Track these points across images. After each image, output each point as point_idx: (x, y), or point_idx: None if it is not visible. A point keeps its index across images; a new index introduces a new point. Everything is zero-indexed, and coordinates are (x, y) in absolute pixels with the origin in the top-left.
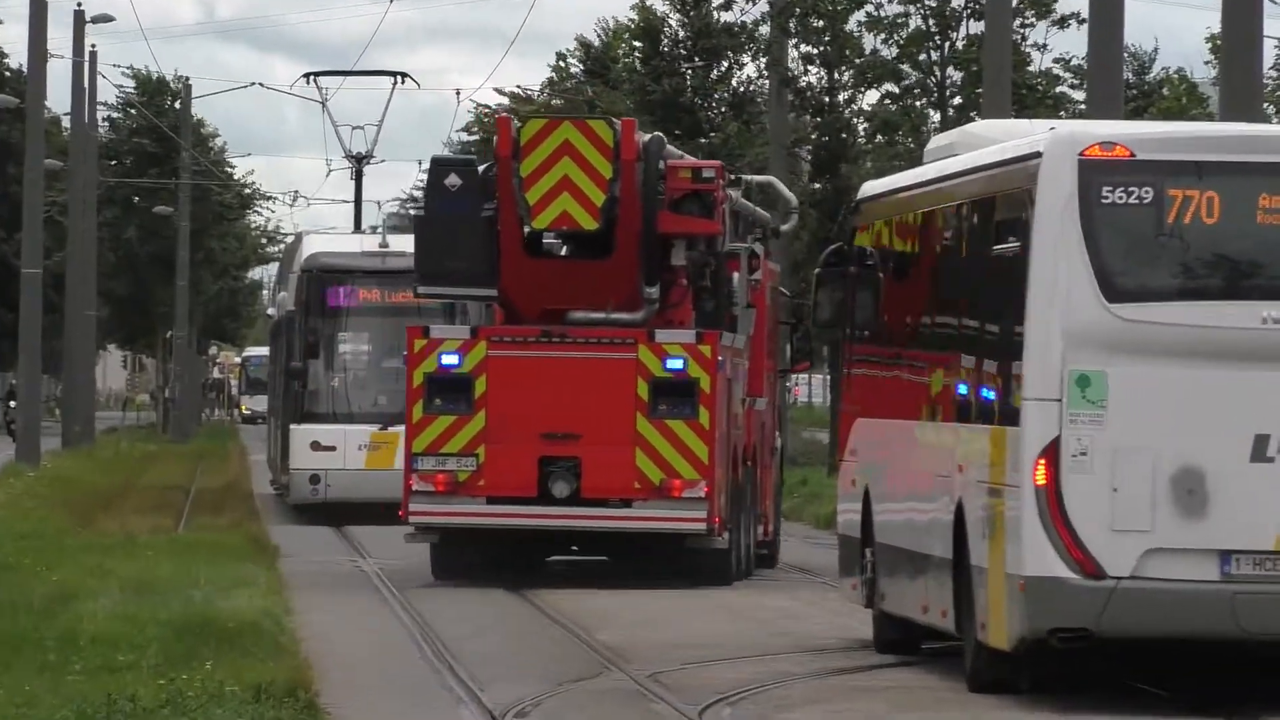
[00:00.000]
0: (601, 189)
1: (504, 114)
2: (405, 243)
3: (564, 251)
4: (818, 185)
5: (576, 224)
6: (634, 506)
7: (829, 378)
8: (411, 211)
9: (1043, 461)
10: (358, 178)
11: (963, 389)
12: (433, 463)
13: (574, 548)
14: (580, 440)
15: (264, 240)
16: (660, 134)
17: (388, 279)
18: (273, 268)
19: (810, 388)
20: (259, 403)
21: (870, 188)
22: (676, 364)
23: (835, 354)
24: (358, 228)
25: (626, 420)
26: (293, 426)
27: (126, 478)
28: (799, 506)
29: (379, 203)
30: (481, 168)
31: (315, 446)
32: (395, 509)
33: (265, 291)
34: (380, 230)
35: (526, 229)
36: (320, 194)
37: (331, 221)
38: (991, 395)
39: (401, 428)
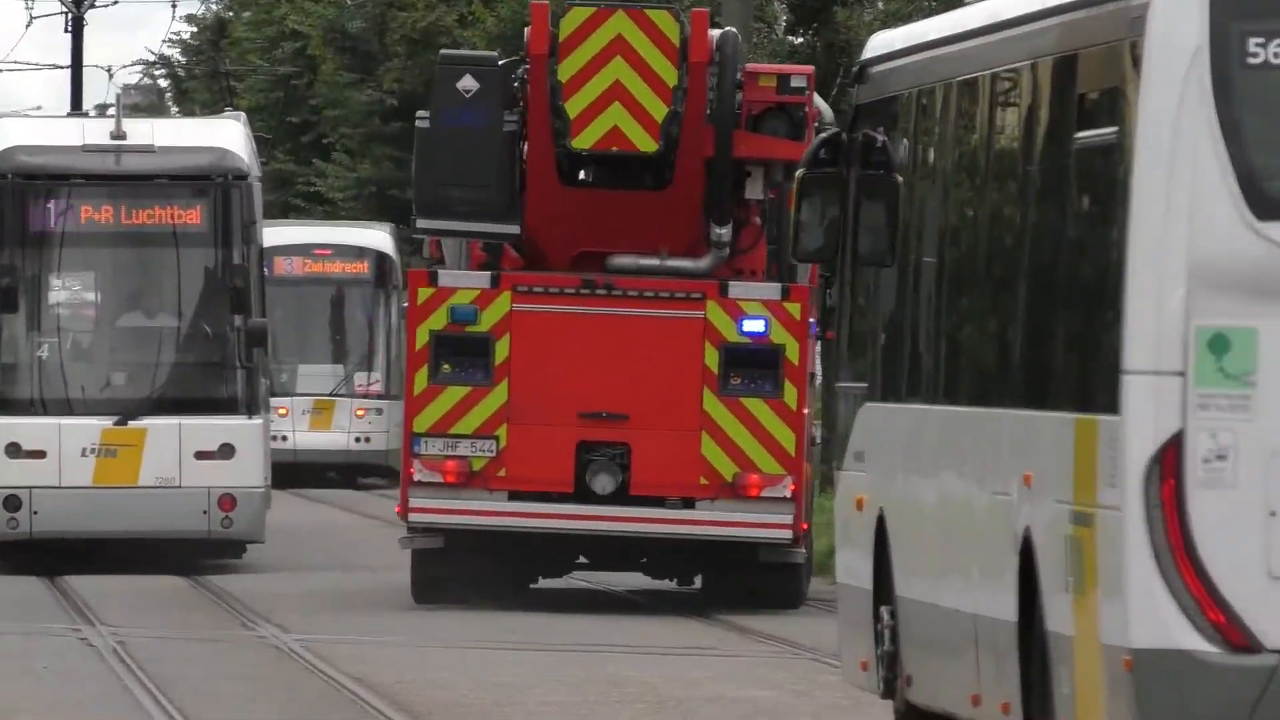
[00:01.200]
0: (663, 100)
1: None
2: (150, 130)
3: (606, 180)
4: (798, 40)
5: (630, 144)
6: (698, 508)
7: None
8: (148, 82)
9: (1157, 470)
10: (76, 29)
11: (1028, 356)
12: (440, 446)
13: (580, 558)
14: (629, 422)
15: None
16: (735, 30)
17: (126, 188)
18: None
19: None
20: None
21: (881, 43)
22: (756, 326)
23: (827, 304)
24: (76, 108)
25: (690, 397)
26: None
27: None
28: None
29: (109, 69)
30: (504, 64)
31: (12, 452)
32: (140, 549)
33: None
34: (113, 112)
35: (563, 149)
36: (15, 56)
37: (35, 99)
38: (1074, 366)
39: (152, 421)
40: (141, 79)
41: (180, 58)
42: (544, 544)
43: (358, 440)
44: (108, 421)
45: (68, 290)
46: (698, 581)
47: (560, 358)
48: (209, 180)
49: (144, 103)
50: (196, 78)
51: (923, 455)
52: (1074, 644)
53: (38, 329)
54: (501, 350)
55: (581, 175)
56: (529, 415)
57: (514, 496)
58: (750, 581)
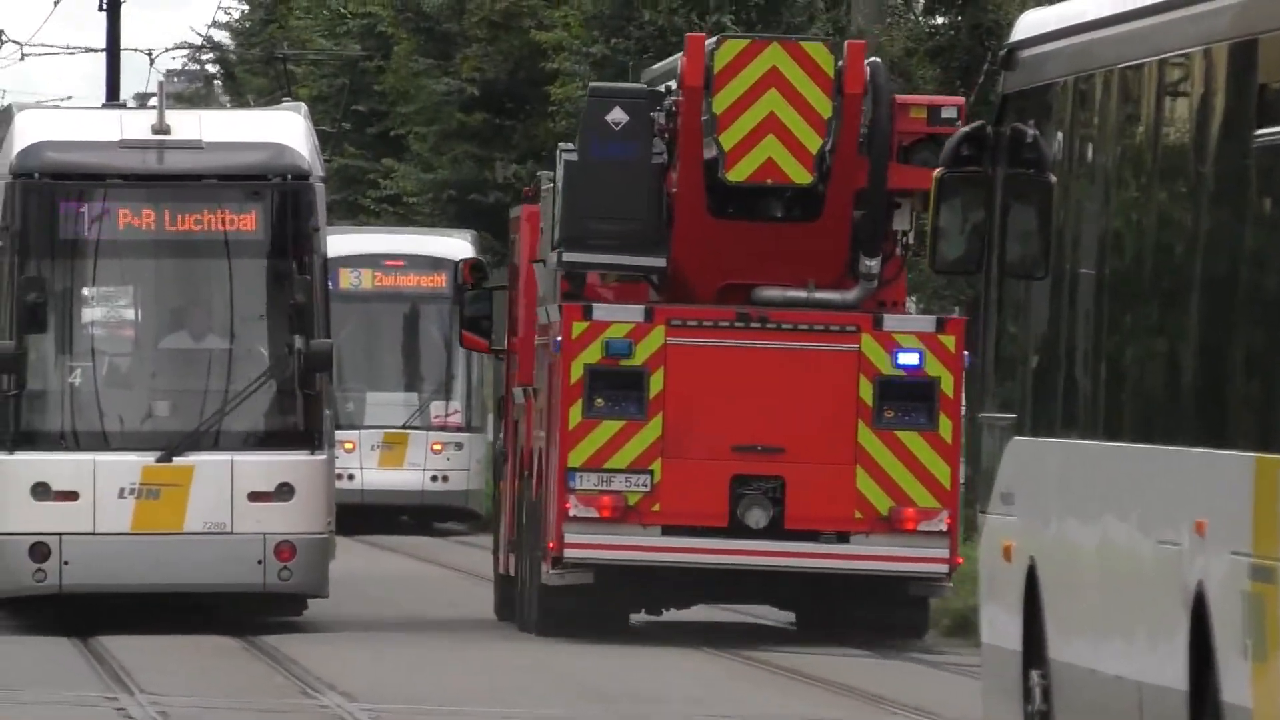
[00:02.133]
0: (818, 132)
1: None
2: (197, 123)
3: (755, 212)
4: (939, 21)
5: (785, 176)
6: (853, 542)
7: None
8: (194, 68)
9: None
10: (112, 8)
11: (1201, 384)
12: (595, 480)
13: (663, 609)
14: (784, 456)
15: None
16: (878, 60)
17: (169, 190)
18: None
19: None
20: None
21: (1032, 24)
22: (911, 359)
23: (974, 322)
24: (113, 98)
25: (845, 431)
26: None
27: None
28: None
29: (149, 53)
30: (651, 94)
31: (40, 493)
32: (186, 604)
33: None
34: (155, 102)
35: (714, 181)
36: (41, 38)
37: (65, 88)
38: (1255, 396)
39: (199, 457)
40: (186, 64)
41: (230, 40)
42: (697, 579)
43: (434, 479)
44: (149, 458)
45: (103, 307)
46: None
47: (714, 391)
48: (265, 181)
49: (189, 92)
50: (249, 63)
51: (1079, 498)
52: (1253, 718)
53: (69, 352)
54: (656, 384)
55: (730, 208)
56: (683, 449)
57: (667, 531)
58: (882, 614)
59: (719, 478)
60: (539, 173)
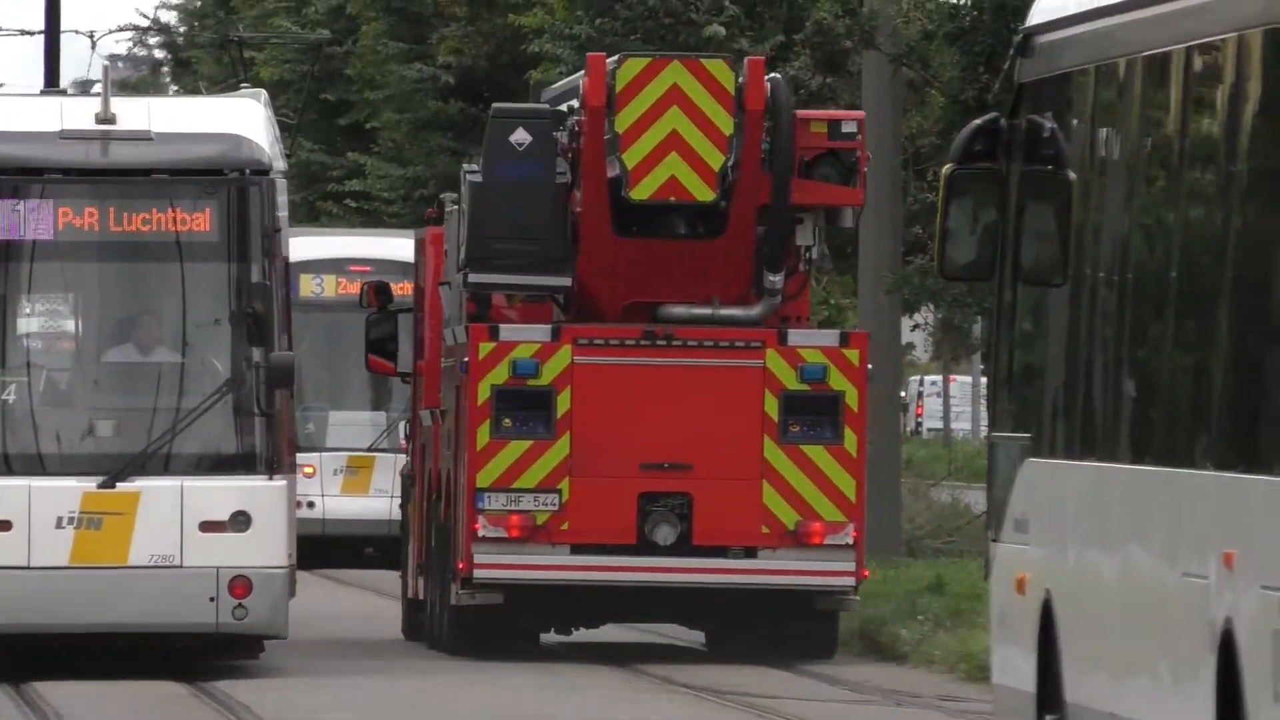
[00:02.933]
0: (720, 149)
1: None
2: (145, 112)
3: (659, 229)
4: (960, 2)
5: (688, 194)
6: (760, 557)
7: (979, 379)
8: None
9: None
10: None
11: (1232, 402)
12: (504, 501)
13: (573, 628)
14: (691, 472)
15: None
16: (780, 75)
17: (115, 186)
18: None
19: (949, 400)
20: None
21: (1051, 7)
22: (815, 373)
23: (993, 332)
24: (52, 85)
25: (751, 446)
26: None
27: None
28: (928, 637)
29: (91, 35)
30: (554, 114)
31: None
32: (130, 647)
33: None
34: (98, 89)
35: (618, 200)
36: None
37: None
38: None
39: (146, 483)
40: (131, 49)
41: (179, 22)
42: (605, 597)
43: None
44: (90, 483)
45: (40, 317)
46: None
47: (621, 409)
48: (220, 176)
49: (135, 79)
50: (200, 46)
51: (1099, 526)
52: None
53: (2, 365)
54: (563, 403)
55: (634, 226)
56: (591, 468)
57: (576, 550)
58: (791, 632)
59: (627, 495)
60: (442, 195)
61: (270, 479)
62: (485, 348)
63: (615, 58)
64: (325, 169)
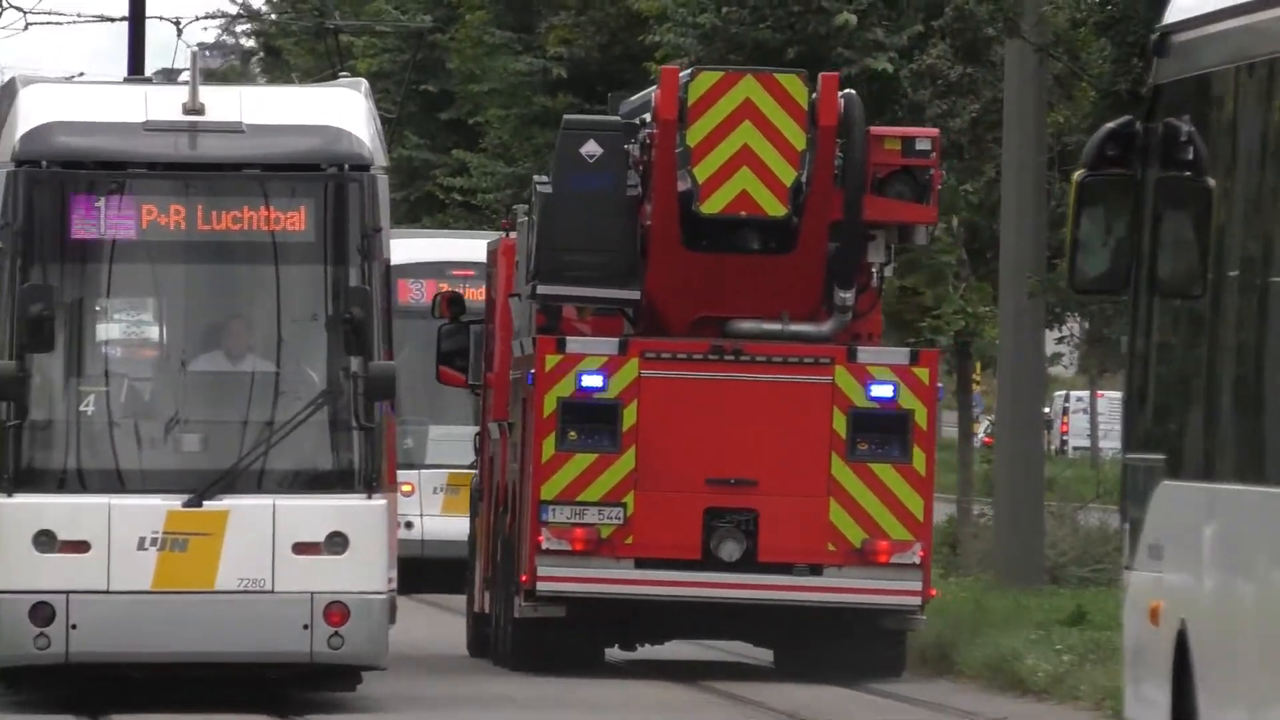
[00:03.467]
0: (792, 165)
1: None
2: (237, 102)
3: (729, 244)
4: None
5: (759, 209)
6: (826, 574)
7: (1095, 391)
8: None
9: None
10: None
11: None
12: (568, 513)
13: (637, 644)
14: (757, 488)
15: None
16: (853, 92)
17: (204, 182)
18: None
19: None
20: None
21: (1191, 3)
22: (885, 391)
23: (1128, 347)
24: (136, 73)
25: (818, 463)
26: None
27: None
28: (1070, 671)
29: (177, 23)
30: (625, 127)
31: (44, 544)
32: (217, 678)
33: None
34: (186, 78)
35: (689, 214)
36: (50, 3)
37: (76, 64)
38: None
39: (235, 501)
40: (220, 36)
41: (270, 9)
42: (669, 612)
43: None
44: (175, 502)
45: (122, 322)
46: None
47: (687, 423)
48: (318, 171)
49: (222, 68)
50: (293, 35)
51: (1239, 552)
52: None
53: (80, 374)
54: (629, 416)
55: (705, 240)
56: (656, 482)
57: (640, 564)
58: (858, 650)
59: (692, 510)
60: (515, 205)
61: (369, 498)
62: (552, 360)
63: (689, 70)
64: (429, 166)
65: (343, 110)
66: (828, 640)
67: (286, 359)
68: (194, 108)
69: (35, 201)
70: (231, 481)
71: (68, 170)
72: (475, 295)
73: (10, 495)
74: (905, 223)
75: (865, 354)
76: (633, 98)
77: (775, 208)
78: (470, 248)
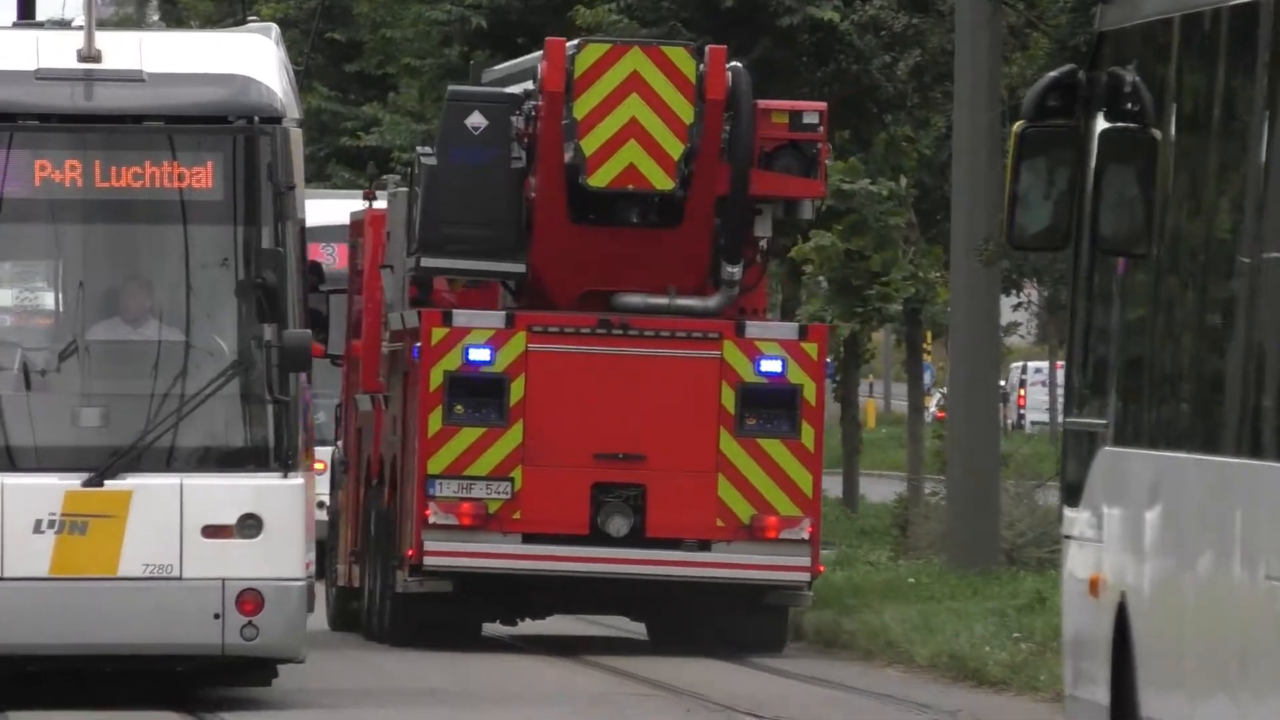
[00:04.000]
0: (680, 138)
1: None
2: (136, 49)
3: (616, 218)
4: None
5: (647, 182)
6: (714, 550)
7: (1054, 362)
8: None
9: None
10: None
11: None
12: (455, 488)
13: (518, 619)
14: (645, 463)
15: None
16: (740, 65)
17: (101, 136)
18: None
19: (1055, 390)
20: None
21: None
22: (773, 366)
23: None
24: (26, 16)
25: (706, 439)
26: None
27: None
28: (1029, 661)
29: None
30: (511, 99)
31: None
32: (120, 671)
33: None
34: (80, 22)
35: (575, 187)
36: None
37: None
38: None
39: (140, 480)
40: None
41: None
42: (555, 587)
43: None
44: (74, 481)
45: (14, 287)
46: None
47: (575, 398)
48: (225, 124)
49: (116, 16)
50: None
51: (1181, 522)
52: None
53: None
54: (516, 391)
55: (591, 214)
56: (544, 457)
57: (528, 539)
58: (739, 625)
59: (580, 485)
60: (383, 175)
61: (284, 477)
62: (439, 333)
63: (575, 42)
64: (338, 119)
65: (252, 58)
66: (711, 615)
67: (194, 327)
68: (90, 55)
69: None
70: (135, 459)
71: None
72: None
73: None
74: (793, 197)
75: (754, 329)
76: (497, 67)
77: (663, 181)
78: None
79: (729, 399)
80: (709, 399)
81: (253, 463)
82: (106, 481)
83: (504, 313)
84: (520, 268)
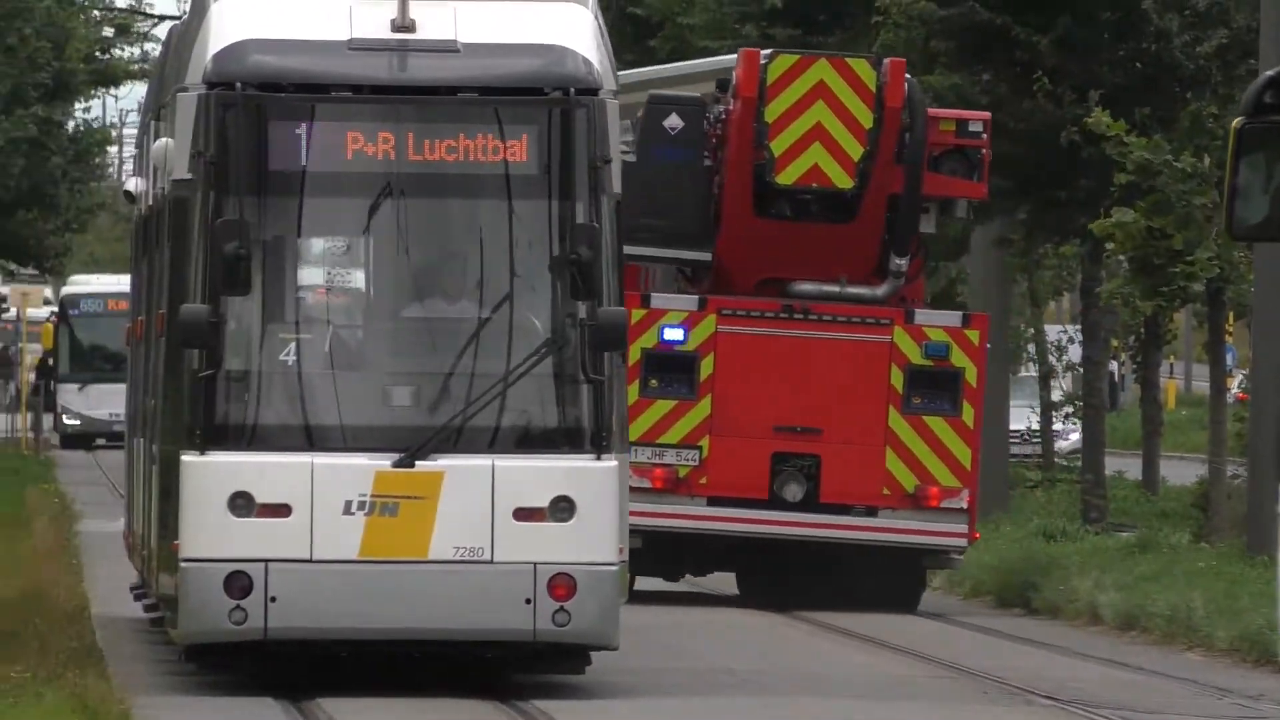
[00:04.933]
0: (860, 141)
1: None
2: (451, 19)
3: (796, 212)
4: None
5: (829, 181)
6: (880, 516)
7: None
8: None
9: None
10: None
11: None
12: (649, 454)
13: (687, 574)
14: (820, 436)
15: (108, 27)
16: (914, 78)
17: (415, 108)
18: (137, 90)
19: None
20: (104, 400)
21: None
22: (938, 350)
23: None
24: None
25: (876, 415)
26: (186, 458)
27: None
28: None
29: None
30: (703, 102)
31: (240, 508)
32: (430, 657)
33: (114, 151)
34: None
35: (762, 184)
36: None
37: None
38: None
39: (451, 461)
40: None
41: None
42: (737, 546)
43: None
44: (384, 461)
45: (326, 263)
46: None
47: (758, 375)
48: (541, 95)
49: None
50: None
51: None
52: None
53: (281, 320)
54: (706, 367)
55: (774, 208)
56: (728, 428)
57: (713, 502)
58: (885, 584)
59: (761, 454)
60: None
61: (598, 458)
62: (637, 314)
63: (768, 52)
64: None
65: (568, 27)
66: (861, 574)
67: (506, 304)
68: (404, 24)
69: (229, 128)
70: (447, 439)
71: (265, 94)
72: None
73: (203, 453)
74: (955, 198)
75: (921, 316)
76: (667, 93)
77: (844, 180)
78: None
79: (897, 379)
80: (879, 379)
81: (566, 444)
82: (418, 462)
83: (697, 296)
84: (706, 256)
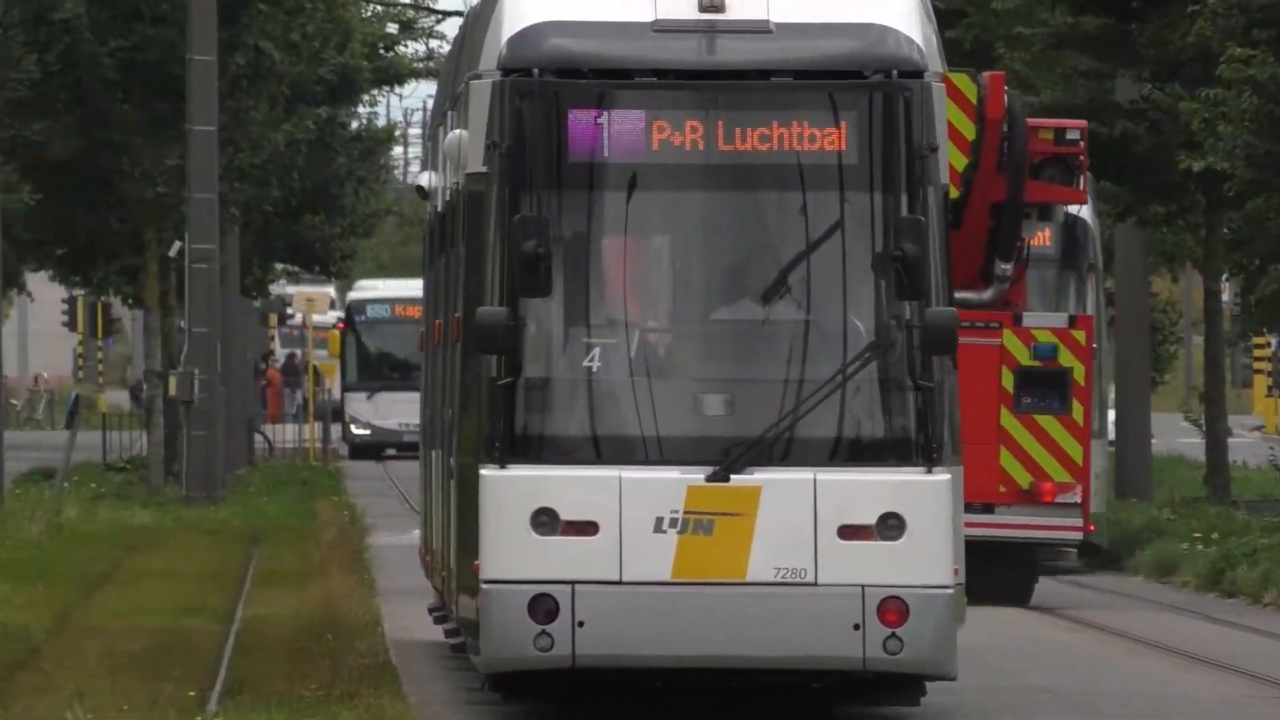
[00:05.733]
0: (963, 152)
1: None
2: None
3: None
4: None
5: None
6: (997, 513)
7: None
8: None
9: None
10: None
11: None
12: None
13: None
14: None
15: (391, 24)
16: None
17: (725, 94)
18: (422, 89)
19: None
20: (395, 409)
21: None
22: (1046, 351)
23: None
24: None
25: (989, 415)
26: (486, 472)
27: (69, 599)
28: None
29: None
30: None
31: (544, 525)
32: (749, 686)
33: (400, 151)
34: None
35: None
36: None
37: None
38: None
39: (769, 475)
40: None
41: None
42: None
43: None
44: (698, 475)
45: (629, 262)
46: None
47: None
48: (861, 79)
49: None
50: None
51: None
52: None
53: (584, 323)
54: None
55: None
56: None
57: None
58: (998, 578)
59: None
60: None
61: (929, 472)
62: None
63: None
64: None
65: (889, 5)
66: (978, 569)
67: (827, 305)
68: (712, 4)
69: (526, 117)
70: (764, 451)
71: (564, 80)
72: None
73: (503, 467)
74: (1055, 204)
75: (1030, 318)
76: None
77: (949, 190)
78: None
79: (1008, 380)
80: (991, 380)
81: (893, 456)
82: (733, 476)
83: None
84: None
